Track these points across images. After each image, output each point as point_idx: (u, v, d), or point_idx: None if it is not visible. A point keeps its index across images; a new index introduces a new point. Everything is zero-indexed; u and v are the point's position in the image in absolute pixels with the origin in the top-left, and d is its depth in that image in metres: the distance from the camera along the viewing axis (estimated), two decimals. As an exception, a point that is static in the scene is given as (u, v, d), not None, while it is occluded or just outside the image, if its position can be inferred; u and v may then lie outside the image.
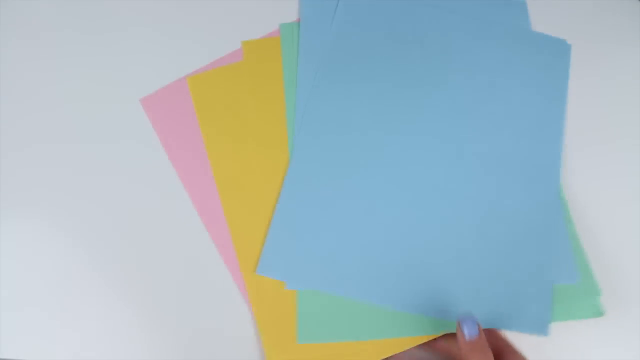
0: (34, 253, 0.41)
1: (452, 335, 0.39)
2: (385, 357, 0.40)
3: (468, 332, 0.34)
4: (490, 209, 0.42)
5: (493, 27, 0.45)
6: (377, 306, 0.40)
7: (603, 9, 0.48)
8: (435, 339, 0.39)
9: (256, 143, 0.42)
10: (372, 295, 0.40)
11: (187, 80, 0.43)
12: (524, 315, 0.39)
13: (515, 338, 0.38)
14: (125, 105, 0.44)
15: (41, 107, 0.44)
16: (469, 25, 0.45)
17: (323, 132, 0.42)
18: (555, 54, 0.45)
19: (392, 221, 0.41)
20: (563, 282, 0.41)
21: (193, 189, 0.42)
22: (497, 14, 0.45)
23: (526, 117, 0.43)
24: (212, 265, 0.41)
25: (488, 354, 0.33)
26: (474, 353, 0.33)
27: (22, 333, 0.40)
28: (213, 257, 0.41)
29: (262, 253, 0.40)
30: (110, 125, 0.43)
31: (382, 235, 0.41)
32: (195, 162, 0.42)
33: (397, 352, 0.40)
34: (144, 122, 0.43)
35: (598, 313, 0.41)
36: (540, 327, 0.39)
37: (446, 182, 0.42)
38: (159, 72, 0.44)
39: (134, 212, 0.42)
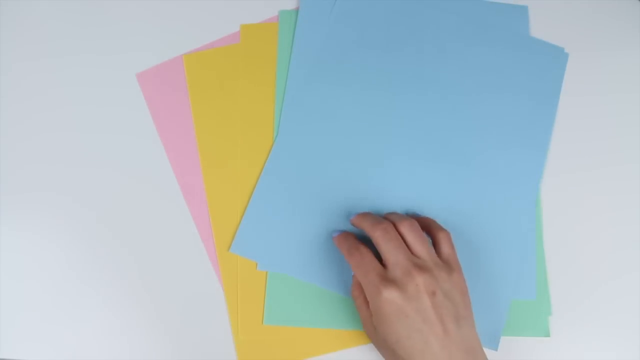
0: (33, 252, 0.42)
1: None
2: (348, 348, 0.40)
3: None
4: (466, 210, 0.42)
5: (490, 30, 0.45)
6: (344, 298, 0.41)
7: (603, 12, 0.47)
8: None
9: (243, 124, 0.43)
10: (339, 286, 0.40)
11: (183, 58, 0.44)
12: (478, 325, 0.38)
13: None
14: (122, 80, 0.45)
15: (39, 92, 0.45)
16: (466, 27, 0.45)
17: (309, 120, 0.43)
18: (551, 61, 0.45)
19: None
20: (519, 297, 0.41)
21: (178, 164, 0.43)
22: (496, 18, 0.45)
23: (514, 122, 0.44)
24: (189, 241, 0.42)
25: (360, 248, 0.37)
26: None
27: (22, 333, 0.41)
28: (191, 232, 0.42)
29: (237, 232, 0.41)
30: (105, 97, 0.44)
31: (354, 229, 0.41)
32: (182, 138, 0.43)
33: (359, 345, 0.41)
34: (139, 97, 0.44)
35: (545, 333, 0.41)
36: (490, 341, 0.40)
37: (426, 178, 0.42)
38: (158, 50, 0.45)
39: (118, 185, 0.43)
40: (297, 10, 0.45)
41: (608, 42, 0.47)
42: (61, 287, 0.41)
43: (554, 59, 0.45)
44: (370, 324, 0.36)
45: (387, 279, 0.34)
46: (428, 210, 0.42)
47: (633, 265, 0.43)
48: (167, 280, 0.41)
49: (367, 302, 0.37)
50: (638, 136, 0.45)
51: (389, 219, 0.37)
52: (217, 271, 0.41)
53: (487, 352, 0.39)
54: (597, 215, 0.44)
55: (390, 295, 0.33)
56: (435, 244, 0.37)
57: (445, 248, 0.37)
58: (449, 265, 0.36)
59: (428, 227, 0.39)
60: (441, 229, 0.38)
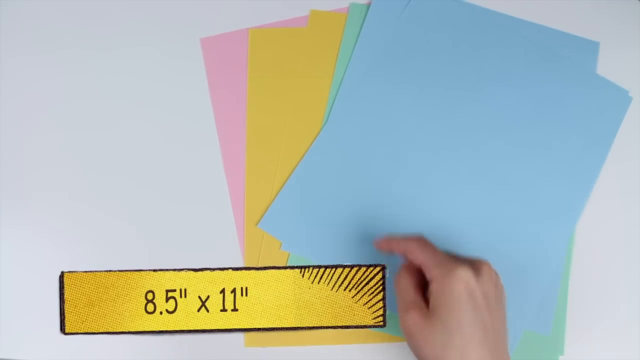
0: (34, 252, 0.42)
1: None
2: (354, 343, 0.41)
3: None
4: (499, 232, 0.42)
5: (557, 60, 0.44)
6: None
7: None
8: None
9: (295, 106, 0.44)
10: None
11: (248, 31, 0.45)
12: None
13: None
14: (185, 42, 0.45)
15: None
16: (532, 52, 0.44)
17: (359, 114, 0.43)
18: (613, 102, 0.44)
19: (397, 222, 0.42)
20: (534, 329, 0.41)
21: (224, 134, 0.44)
22: (565, 49, 0.44)
23: (563, 156, 0.43)
24: (220, 210, 0.43)
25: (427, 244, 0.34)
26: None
27: (22, 333, 0.41)
28: (224, 202, 0.43)
29: (268, 209, 0.41)
30: (166, 61, 0.45)
31: (383, 231, 0.42)
32: (233, 109, 0.44)
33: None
34: (198, 62, 0.45)
35: None
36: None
37: (464, 194, 0.42)
38: (226, 19, 0.46)
39: (159, 145, 0.44)
40: (368, 6, 0.45)
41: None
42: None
43: (616, 101, 0.44)
44: (416, 308, 0.32)
45: (459, 259, 0.33)
46: (461, 224, 0.42)
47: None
48: (191, 252, 0.42)
49: (416, 286, 0.34)
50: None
51: None
52: (242, 244, 0.42)
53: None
54: (630, 264, 0.43)
55: (463, 274, 0.31)
56: None
57: None
58: None
59: None
60: None
